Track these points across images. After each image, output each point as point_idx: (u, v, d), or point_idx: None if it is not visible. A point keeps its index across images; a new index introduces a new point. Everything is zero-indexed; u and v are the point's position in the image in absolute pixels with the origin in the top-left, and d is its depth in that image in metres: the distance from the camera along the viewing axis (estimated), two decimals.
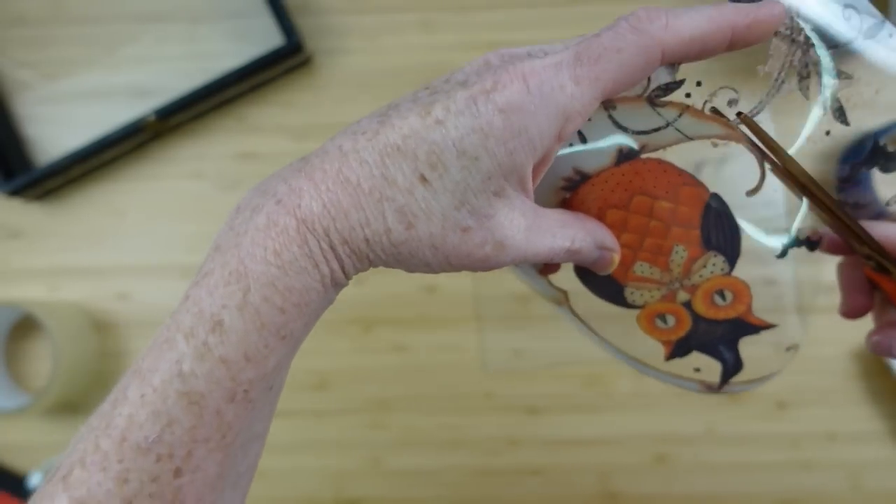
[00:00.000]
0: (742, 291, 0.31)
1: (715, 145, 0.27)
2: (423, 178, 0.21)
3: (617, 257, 0.27)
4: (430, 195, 0.21)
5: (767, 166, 0.27)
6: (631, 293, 0.29)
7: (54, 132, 0.63)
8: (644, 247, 0.28)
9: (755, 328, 0.31)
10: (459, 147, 0.21)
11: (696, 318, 0.30)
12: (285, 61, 0.60)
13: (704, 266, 0.29)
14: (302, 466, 0.60)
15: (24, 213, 0.63)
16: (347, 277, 0.23)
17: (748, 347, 0.31)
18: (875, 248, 0.29)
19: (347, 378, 0.60)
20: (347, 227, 0.22)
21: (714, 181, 0.28)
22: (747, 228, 0.29)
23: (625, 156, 0.26)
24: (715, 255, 0.29)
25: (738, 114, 0.26)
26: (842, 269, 0.32)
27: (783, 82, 0.26)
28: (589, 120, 0.25)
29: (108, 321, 0.61)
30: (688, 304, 0.30)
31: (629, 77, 0.22)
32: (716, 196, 0.28)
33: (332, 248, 0.22)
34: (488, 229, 0.22)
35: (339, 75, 0.63)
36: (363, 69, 0.62)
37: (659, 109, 0.25)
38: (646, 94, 0.25)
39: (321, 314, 0.24)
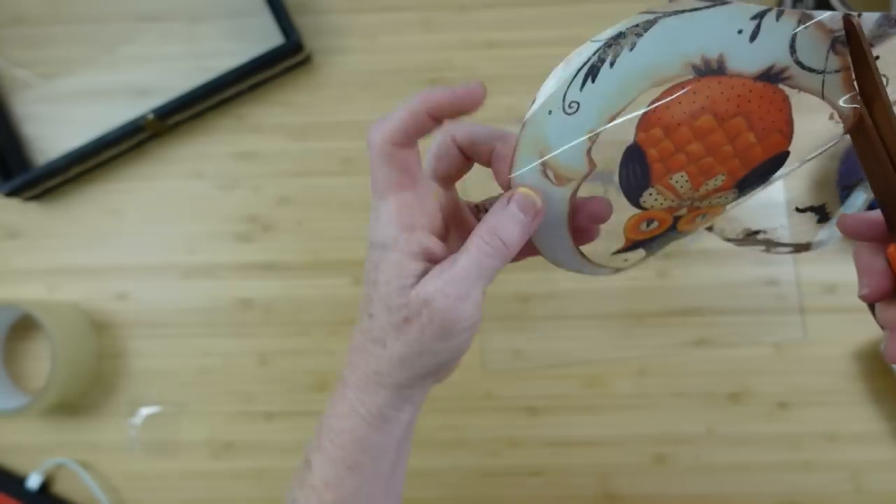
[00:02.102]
0: (716, 217, 0.31)
1: (831, 118, 0.26)
2: (370, 315, 0.28)
3: (524, 189, 0.28)
4: (377, 322, 0.28)
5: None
6: (650, 194, 0.28)
7: (53, 132, 0.63)
8: (699, 163, 0.27)
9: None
10: (368, 281, 0.28)
11: (671, 228, 0.30)
12: (285, 61, 0.59)
13: (720, 197, 0.29)
14: None
15: (22, 213, 0.63)
16: (395, 415, 0.29)
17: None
18: None
19: None
20: (361, 373, 0.29)
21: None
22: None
23: (768, 75, 0.25)
24: (735, 194, 0.29)
25: (847, 16, 0.25)
26: (860, 253, 0.31)
27: None
28: (777, 20, 0.25)
29: (106, 321, 0.61)
30: (677, 218, 0.30)
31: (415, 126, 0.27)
32: (787, 154, 0.27)
33: (359, 389, 0.29)
34: (413, 304, 0.27)
35: (339, 75, 0.62)
36: (363, 68, 0.62)
37: (831, 55, 0.25)
38: (836, 34, 0.25)
39: (391, 438, 0.30)
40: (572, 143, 0.26)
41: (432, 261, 0.27)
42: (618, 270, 0.32)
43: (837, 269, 0.59)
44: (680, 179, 0.27)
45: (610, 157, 0.27)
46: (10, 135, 0.62)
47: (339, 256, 0.61)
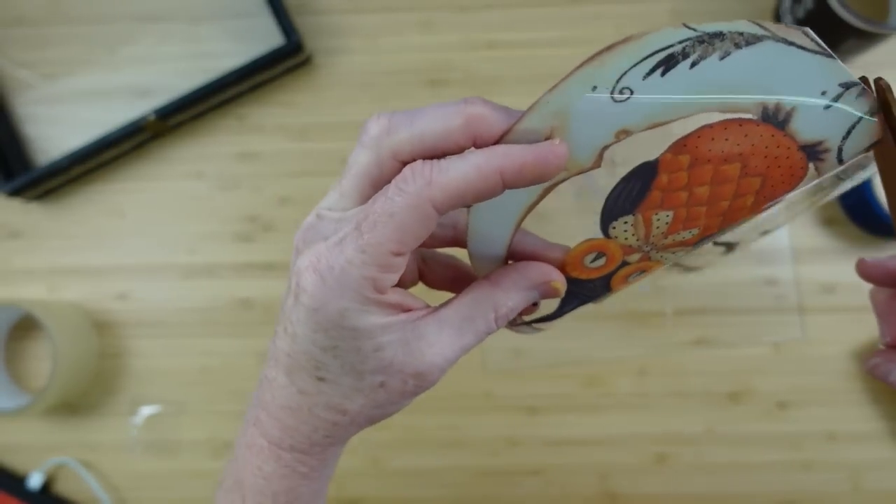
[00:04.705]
0: (643, 278, 0.28)
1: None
2: (320, 378, 0.24)
3: (560, 286, 0.25)
4: (335, 386, 0.24)
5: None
6: (625, 222, 0.24)
7: (54, 132, 0.63)
8: (691, 209, 0.24)
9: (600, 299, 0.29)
10: (319, 345, 0.23)
11: (606, 276, 0.27)
12: (285, 61, 0.60)
13: (674, 253, 0.26)
14: None
15: (23, 213, 0.63)
16: (333, 458, 0.27)
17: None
18: None
19: None
20: (304, 437, 0.25)
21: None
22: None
23: (812, 149, 0.23)
24: (688, 253, 0.26)
25: (879, 80, 0.22)
26: (879, 300, 0.30)
27: None
28: (856, 97, 0.22)
29: (107, 321, 0.61)
30: (621, 266, 0.26)
31: (411, 235, 0.21)
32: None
33: (303, 452, 0.26)
34: (398, 372, 0.24)
35: (339, 75, 0.63)
36: (363, 69, 0.62)
37: (864, 155, 0.23)
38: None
39: (325, 480, 0.28)
40: (596, 133, 0.22)
41: (403, 310, 0.24)
42: (511, 322, 0.28)
43: (837, 269, 0.59)
44: (662, 218, 0.24)
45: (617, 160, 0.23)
46: (12, 135, 0.62)
47: None
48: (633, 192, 0.24)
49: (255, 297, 0.61)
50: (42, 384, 0.61)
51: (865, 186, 0.55)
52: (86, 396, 0.61)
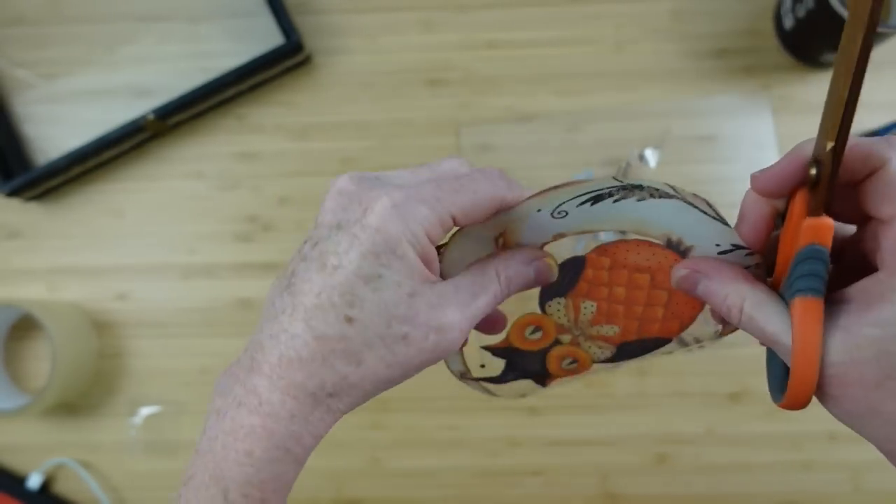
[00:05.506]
0: (577, 376, 0.34)
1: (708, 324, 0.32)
2: (349, 318, 0.23)
3: (552, 263, 0.29)
4: (361, 329, 0.24)
5: None
6: (558, 303, 0.31)
7: (53, 132, 0.63)
8: (611, 306, 0.31)
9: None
10: (363, 273, 0.23)
11: (542, 351, 0.33)
12: (285, 61, 0.59)
13: (600, 348, 0.32)
14: None
15: (23, 213, 0.63)
16: (324, 434, 0.25)
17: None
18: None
19: None
20: (308, 395, 0.24)
21: None
22: None
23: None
24: (611, 353, 0.33)
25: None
26: (745, 199, 0.27)
27: None
28: (744, 257, 0.27)
29: (107, 321, 0.61)
30: (556, 342, 0.32)
31: (473, 213, 0.25)
32: (669, 341, 0.33)
33: (305, 419, 0.24)
34: (422, 324, 0.24)
35: (339, 75, 0.63)
36: (363, 69, 0.62)
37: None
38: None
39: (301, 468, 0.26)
40: (539, 235, 0.29)
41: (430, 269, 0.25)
42: (462, 375, 0.34)
43: None
44: (588, 307, 0.31)
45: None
46: (11, 135, 0.62)
47: None
48: (565, 279, 0.30)
49: (255, 297, 0.61)
50: (41, 384, 0.61)
51: None
52: (85, 397, 0.61)
